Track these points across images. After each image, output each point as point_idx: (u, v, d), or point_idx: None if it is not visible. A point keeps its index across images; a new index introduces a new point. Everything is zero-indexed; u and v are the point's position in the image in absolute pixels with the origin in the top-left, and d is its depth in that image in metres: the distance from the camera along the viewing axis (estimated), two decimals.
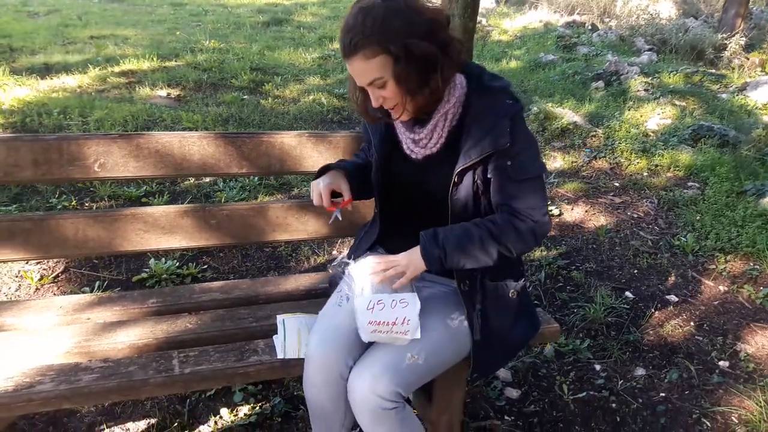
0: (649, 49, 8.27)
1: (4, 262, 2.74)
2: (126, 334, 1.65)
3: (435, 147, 1.52)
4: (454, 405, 1.87)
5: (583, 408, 2.25)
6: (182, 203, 3.39)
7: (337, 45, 8.59)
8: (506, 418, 2.18)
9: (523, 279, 1.71)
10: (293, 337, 1.62)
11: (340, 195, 1.61)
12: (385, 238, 1.73)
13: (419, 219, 1.61)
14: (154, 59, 6.49)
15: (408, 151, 1.56)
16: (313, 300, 1.91)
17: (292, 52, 7.71)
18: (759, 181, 4.25)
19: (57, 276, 2.81)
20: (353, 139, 1.94)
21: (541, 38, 9.06)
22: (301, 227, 1.97)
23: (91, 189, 3.59)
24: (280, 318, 1.68)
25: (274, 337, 1.68)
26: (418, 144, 1.54)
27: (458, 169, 1.46)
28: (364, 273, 1.48)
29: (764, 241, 3.43)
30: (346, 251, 1.86)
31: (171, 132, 1.79)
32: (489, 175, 1.49)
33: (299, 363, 1.59)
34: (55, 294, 2.68)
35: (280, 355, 1.60)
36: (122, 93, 5.44)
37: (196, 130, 4.66)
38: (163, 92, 5.58)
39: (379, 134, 1.61)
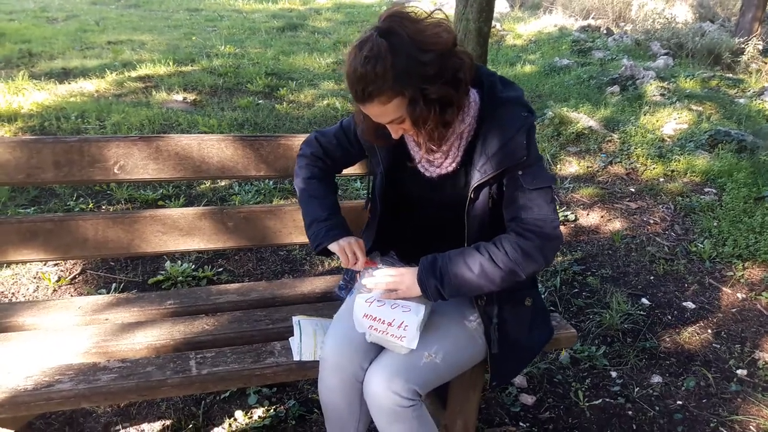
0: (665, 54, 8.21)
1: (25, 262, 2.78)
2: (144, 335, 1.67)
3: (451, 166, 1.50)
4: (469, 410, 1.86)
5: (599, 415, 2.23)
6: (198, 206, 3.42)
7: None
8: (521, 424, 2.17)
9: (536, 286, 1.71)
10: (309, 338, 1.62)
11: None
12: (387, 246, 1.71)
13: (431, 232, 1.61)
14: (171, 64, 6.54)
15: (422, 170, 1.54)
16: (328, 303, 1.91)
17: (307, 57, 7.74)
18: None
19: (74, 278, 2.83)
20: None
21: (556, 42, 9.03)
22: None
23: (108, 192, 3.62)
24: (295, 319, 1.68)
25: (290, 339, 1.69)
26: (433, 164, 1.52)
27: (474, 185, 1.44)
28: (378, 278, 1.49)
29: None
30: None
31: (190, 135, 1.79)
32: (503, 191, 1.48)
33: (315, 365, 1.59)
34: (72, 295, 2.71)
35: (296, 357, 1.60)
36: (139, 97, 5.49)
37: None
38: (179, 97, 5.62)
39: (385, 147, 1.56)
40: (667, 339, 2.70)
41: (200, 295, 1.89)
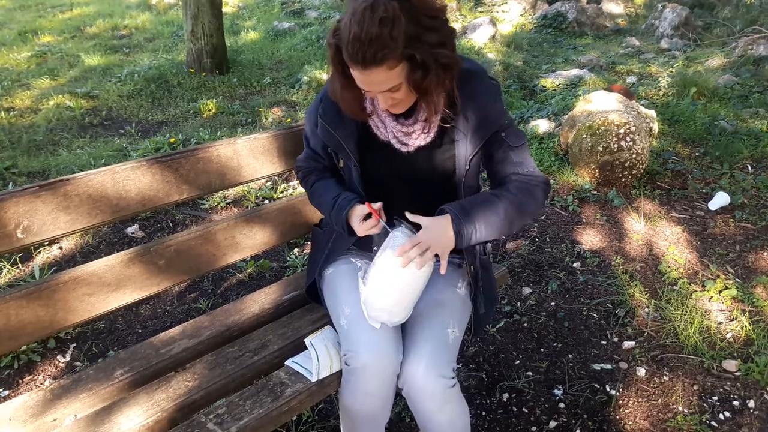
0: None
1: None
2: (128, 420, 1.36)
3: (429, 137, 1.51)
4: None
5: (506, 336, 2.52)
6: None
7: (48, 38, 7.47)
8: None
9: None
10: (324, 354, 1.51)
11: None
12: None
13: (417, 207, 1.61)
14: None
15: (398, 146, 1.52)
16: (291, 315, 1.78)
17: None
18: (518, 110, 4.99)
19: None
20: (285, 137, 1.82)
21: (266, 6, 9.03)
22: (250, 242, 1.80)
23: None
24: (308, 341, 1.54)
25: (287, 362, 1.56)
26: (411, 136, 1.51)
27: (470, 156, 1.50)
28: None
29: (549, 159, 4.10)
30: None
31: (100, 169, 1.46)
32: (488, 153, 1.55)
33: (332, 379, 1.52)
34: None
35: (314, 379, 1.49)
36: None
37: None
38: None
39: (353, 138, 1.53)
40: (514, 255, 3.11)
41: (148, 353, 1.59)
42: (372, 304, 1.43)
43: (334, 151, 1.58)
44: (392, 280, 1.40)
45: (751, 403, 2.11)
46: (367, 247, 1.71)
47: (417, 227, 1.46)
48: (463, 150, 1.50)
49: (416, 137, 1.51)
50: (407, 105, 1.44)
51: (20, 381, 2.18)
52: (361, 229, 1.49)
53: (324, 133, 1.55)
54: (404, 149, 1.53)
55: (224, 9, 9.11)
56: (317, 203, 1.67)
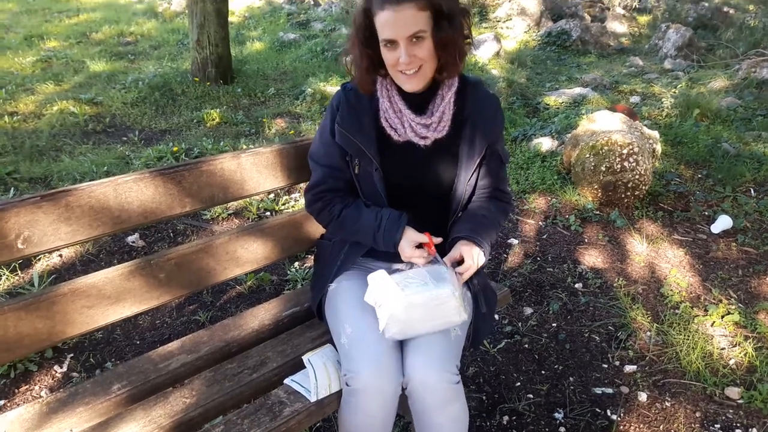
0: None
1: None
2: None
3: (444, 130, 1.57)
4: None
5: (507, 356, 2.49)
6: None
7: (53, 43, 7.49)
8: None
9: None
10: (322, 373, 1.49)
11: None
12: None
13: (424, 212, 1.63)
14: None
15: (417, 140, 1.57)
16: (291, 331, 1.76)
17: (0, 57, 6.48)
18: (521, 127, 4.99)
19: None
20: (289, 151, 1.80)
21: (272, 17, 9.07)
22: (251, 256, 1.78)
23: None
24: (305, 359, 1.53)
25: (286, 381, 1.54)
26: (429, 128, 1.56)
27: (478, 159, 1.56)
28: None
29: (551, 177, 4.09)
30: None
31: (102, 180, 1.45)
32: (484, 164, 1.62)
33: (331, 399, 1.50)
34: None
35: (313, 398, 1.47)
36: None
37: None
38: None
39: (372, 143, 1.57)
40: (516, 274, 3.09)
41: (146, 368, 1.57)
42: (399, 317, 1.40)
43: (351, 156, 1.59)
44: (436, 313, 1.44)
45: None
46: (378, 255, 1.70)
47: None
48: (467, 154, 1.57)
49: (434, 129, 1.56)
50: (423, 78, 1.50)
51: (16, 390, 2.16)
52: (410, 254, 1.53)
53: (343, 139, 1.58)
54: (422, 143, 1.57)
55: (230, 19, 9.17)
56: (352, 230, 1.62)
